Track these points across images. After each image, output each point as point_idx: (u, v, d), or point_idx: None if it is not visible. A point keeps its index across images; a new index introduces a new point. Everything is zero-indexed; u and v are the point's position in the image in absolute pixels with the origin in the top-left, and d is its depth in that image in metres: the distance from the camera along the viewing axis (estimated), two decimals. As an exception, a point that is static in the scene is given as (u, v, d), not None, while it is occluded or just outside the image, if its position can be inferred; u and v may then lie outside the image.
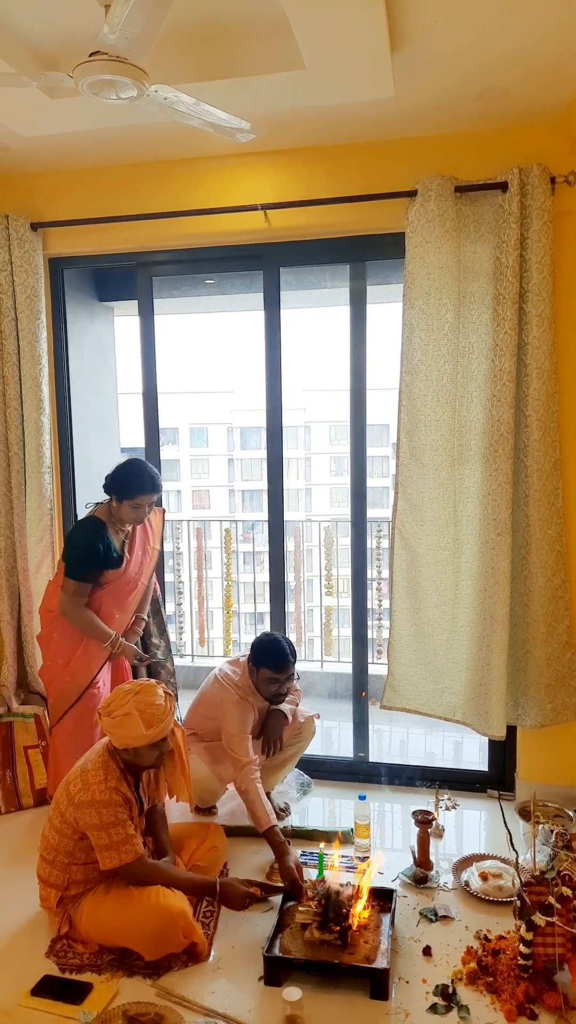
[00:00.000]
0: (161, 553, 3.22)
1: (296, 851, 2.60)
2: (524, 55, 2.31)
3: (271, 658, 2.78)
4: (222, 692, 2.85)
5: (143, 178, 3.17)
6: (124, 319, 4.17)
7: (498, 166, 2.77)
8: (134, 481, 2.80)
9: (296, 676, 3.03)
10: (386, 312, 3.70)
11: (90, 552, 2.79)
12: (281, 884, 2.48)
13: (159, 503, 3.01)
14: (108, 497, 2.87)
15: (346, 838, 2.85)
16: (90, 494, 3.00)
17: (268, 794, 3.12)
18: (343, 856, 2.74)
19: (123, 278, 3.73)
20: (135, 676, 3.10)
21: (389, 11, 2.03)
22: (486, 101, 2.61)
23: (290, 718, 2.99)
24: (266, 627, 3.60)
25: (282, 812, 3.12)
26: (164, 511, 3.19)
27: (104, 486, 2.87)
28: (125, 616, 2.96)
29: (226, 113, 2.21)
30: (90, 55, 1.90)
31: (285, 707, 2.99)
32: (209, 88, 2.39)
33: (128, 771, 2.36)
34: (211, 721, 2.92)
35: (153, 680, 2.44)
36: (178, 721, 2.48)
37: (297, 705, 3.10)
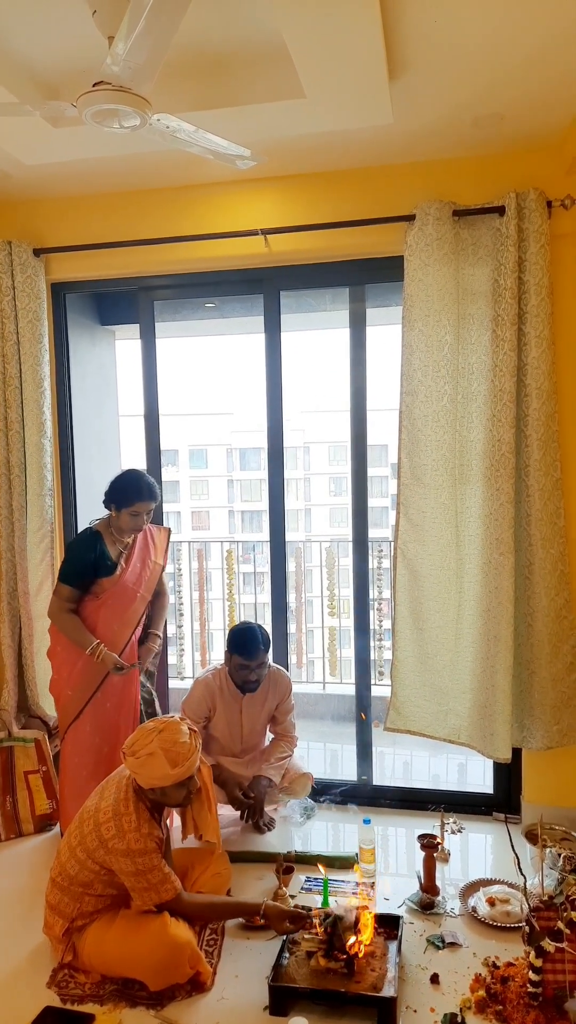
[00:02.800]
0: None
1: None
2: (518, 82, 2.35)
3: (240, 645, 2.90)
4: (203, 675, 3.06)
5: (145, 204, 3.21)
6: (125, 342, 4.21)
7: (495, 190, 2.81)
8: (132, 489, 2.84)
9: (292, 723, 3.10)
10: (386, 334, 3.72)
11: (79, 559, 2.86)
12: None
13: (162, 520, 3.02)
14: (108, 512, 2.92)
15: (351, 863, 2.81)
16: (91, 516, 3.02)
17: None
18: (347, 882, 2.70)
19: (124, 302, 3.76)
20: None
21: (387, 40, 2.07)
22: (482, 127, 2.65)
23: (277, 781, 3.04)
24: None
25: (266, 827, 3.13)
26: (169, 530, 3.20)
27: (104, 498, 2.91)
28: (125, 629, 2.93)
29: (227, 141, 2.24)
30: (94, 85, 1.93)
31: (273, 772, 3.04)
32: (210, 116, 2.43)
33: (155, 809, 2.31)
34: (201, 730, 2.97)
35: (176, 716, 2.40)
36: (203, 757, 2.45)
37: (290, 757, 3.13)
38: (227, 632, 3.00)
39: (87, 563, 2.85)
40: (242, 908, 2.38)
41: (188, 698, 3.06)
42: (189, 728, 2.32)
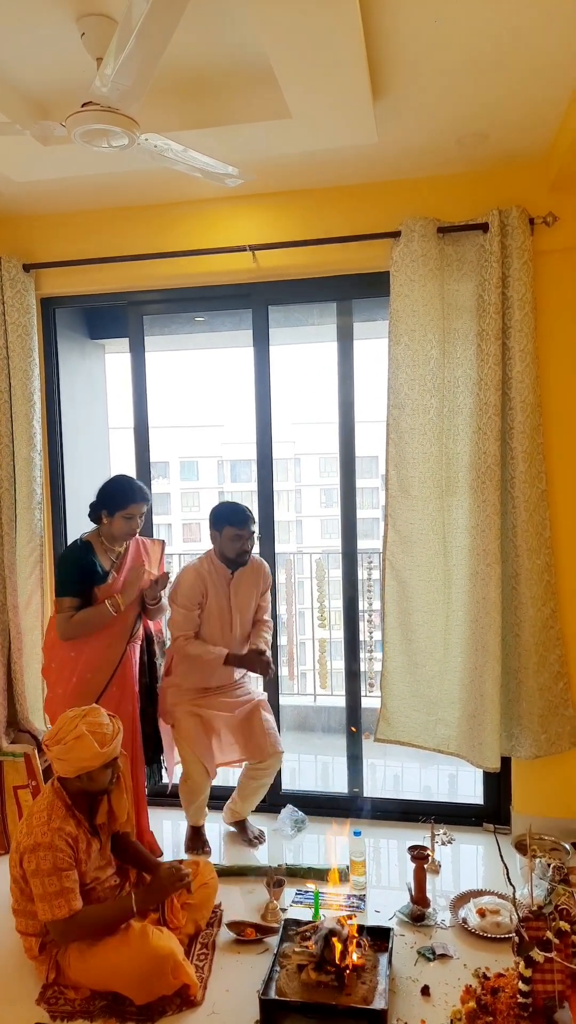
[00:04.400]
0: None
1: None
2: (501, 102, 2.41)
3: (231, 515, 2.94)
4: (188, 564, 3.04)
5: (134, 220, 3.24)
6: (115, 356, 4.23)
7: (479, 207, 2.86)
8: (123, 492, 2.83)
9: (267, 608, 3.12)
10: (373, 348, 3.76)
11: (73, 566, 2.84)
12: (276, 926, 2.44)
13: (151, 533, 3.02)
14: (96, 526, 2.91)
15: (342, 876, 2.81)
16: (81, 529, 3.01)
17: (243, 821, 3.21)
18: (337, 894, 2.70)
19: (114, 316, 3.79)
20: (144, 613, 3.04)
21: (370, 61, 2.12)
22: (466, 146, 2.70)
23: (265, 649, 3.06)
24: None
25: (256, 840, 3.15)
26: (164, 543, 3.21)
27: (93, 506, 2.89)
28: (119, 641, 2.90)
29: (214, 159, 2.28)
30: (82, 105, 1.96)
31: (262, 643, 3.08)
32: (198, 136, 2.47)
33: (77, 805, 2.30)
34: (195, 673, 3.00)
35: (93, 705, 2.40)
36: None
37: (270, 631, 3.17)
38: (210, 512, 3.03)
39: (82, 569, 2.82)
40: (122, 906, 2.27)
41: (177, 587, 2.98)
42: (109, 714, 2.35)
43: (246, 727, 3.05)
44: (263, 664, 2.98)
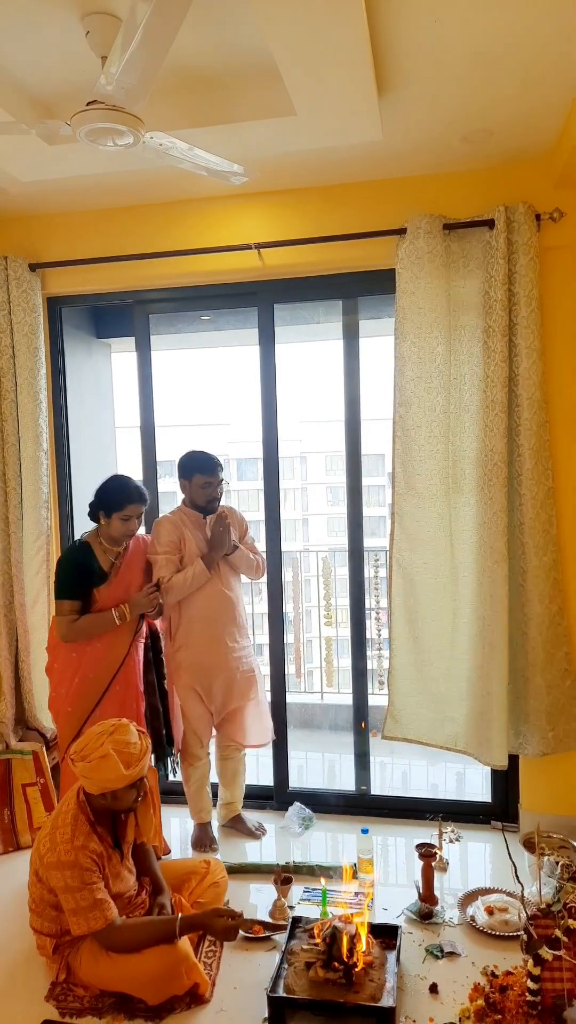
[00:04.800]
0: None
1: None
2: (506, 98, 2.39)
3: (201, 464, 2.98)
4: (160, 518, 3.04)
5: (140, 219, 3.24)
6: (121, 355, 4.23)
7: (485, 204, 2.85)
8: (121, 493, 2.82)
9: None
10: (379, 345, 3.76)
11: (71, 567, 2.84)
12: (284, 923, 2.44)
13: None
14: (96, 525, 2.91)
15: (350, 873, 2.81)
16: (87, 528, 3.01)
17: (239, 816, 3.25)
18: (346, 891, 2.70)
19: (120, 315, 3.79)
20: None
21: (375, 59, 2.11)
22: (472, 142, 2.69)
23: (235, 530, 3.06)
24: (264, 658, 3.60)
25: (257, 831, 3.19)
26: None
27: (91, 506, 2.89)
28: (121, 641, 2.89)
29: (219, 157, 2.28)
30: (87, 104, 1.96)
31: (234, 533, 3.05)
32: (203, 134, 2.47)
33: (100, 821, 2.27)
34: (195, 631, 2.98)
35: (124, 719, 2.34)
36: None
37: (246, 534, 3.17)
38: (177, 462, 3.05)
39: (81, 570, 2.83)
40: (166, 928, 2.21)
41: (156, 537, 2.98)
42: (137, 729, 2.31)
43: (238, 715, 3.07)
44: (225, 532, 2.96)
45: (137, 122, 2.01)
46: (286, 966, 2.24)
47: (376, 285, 3.15)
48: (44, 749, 3.29)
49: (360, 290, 3.21)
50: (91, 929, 2.14)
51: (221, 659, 2.99)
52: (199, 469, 2.99)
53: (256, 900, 2.73)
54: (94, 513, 2.90)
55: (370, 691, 3.48)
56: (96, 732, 2.26)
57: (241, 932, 2.45)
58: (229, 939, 2.26)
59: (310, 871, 2.84)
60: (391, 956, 2.28)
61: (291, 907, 2.65)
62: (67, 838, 2.16)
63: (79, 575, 2.83)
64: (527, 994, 2.03)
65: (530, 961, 2.01)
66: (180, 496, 3.11)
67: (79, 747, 2.24)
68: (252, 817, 3.28)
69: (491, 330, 2.80)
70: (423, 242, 2.83)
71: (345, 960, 2.16)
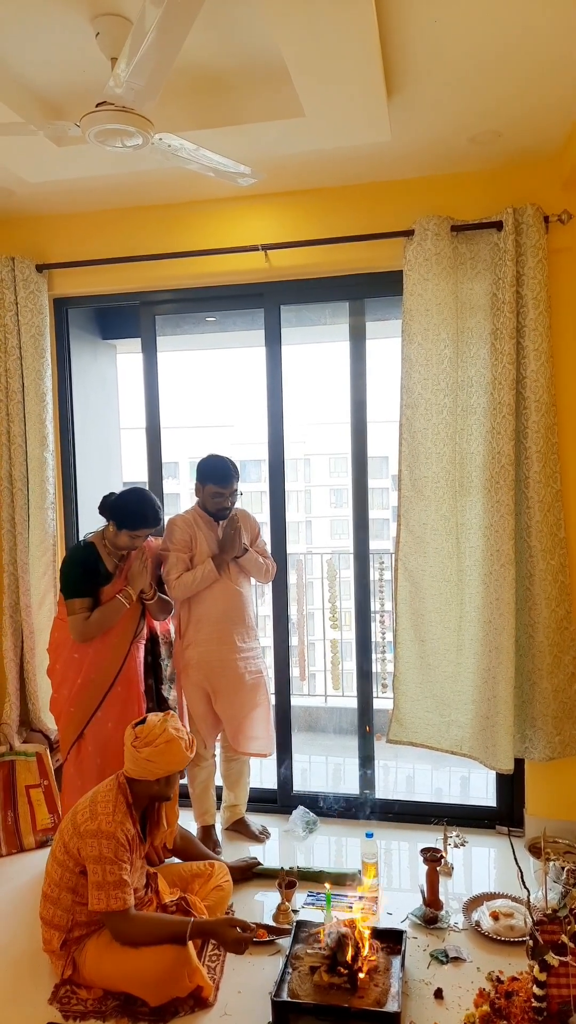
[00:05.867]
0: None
1: None
2: (514, 100, 2.39)
3: (214, 474, 2.98)
4: (174, 516, 3.06)
5: (146, 220, 3.24)
6: (127, 356, 4.24)
7: (493, 205, 2.84)
8: (137, 514, 2.81)
9: (266, 552, 3.12)
10: (386, 347, 3.75)
11: (77, 566, 2.84)
12: (288, 927, 2.43)
13: (163, 535, 3.03)
14: (105, 523, 2.90)
15: (354, 879, 2.80)
16: (91, 530, 3.00)
17: (243, 819, 3.25)
18: (349, 895, 2.69)
19: (126, 317, 3.79)
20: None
21: (384, 60, 2.11)
22: (480, 144, 2.69)
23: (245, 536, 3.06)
24: (269, 661, 3.59)
25: (261, 834, 3.19)
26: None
27: (101, 508, 2.89)
28: (123, 640, 2.89)
29: (227, 159, 2.28)
30: (97, 105, 1.96)
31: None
32: (211, 135, 2.47)
33: (135, 808, 2.33)
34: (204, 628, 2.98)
35: (171, 711, 2.47)
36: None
37: (257, 538, 3.17)
38: (197, 465, 3.06)
39: (87, 570, 2.83)
40: (177, 929, 2.21)
41: (168, 535, 2.99)
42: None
43: (244, 722, 3.05)
44: (235, 535, 2.97)
45: (146, 123, 2.01)
46: (290, 970, 2.23)
47: (383, 287, 3.14)
48: (48, 751, 3.28)
49: (367, 291, 3.21)
50: (109, 908, 2.15)
51: (229, 658, 2.98)
52: (212, 479, 2.99)
53: (259, 903, 2.72)
54: (105, 515, 2.89)
55: (375, 694, 3.47)
56: (154, 721, 2.35)
57: None
58: (238, 951, 2.24)
59: (315, 877, 2.82)
60: (396, 961, 2.26)
61: (295, 911, 2.64)
62: (108, 811, 2.23)
63: (87, 574, 2.83)
64: (533, 1000, 2.01)
65: (536, 967, 2.00)
66: (185, 497, 3.11)
67: (145, 732, 2.31)
68: (256, 820, 3.27)
69: (499, 332, 2.79)
70: (431, 244, 2.83)
71: (350, 965, 2.15)
